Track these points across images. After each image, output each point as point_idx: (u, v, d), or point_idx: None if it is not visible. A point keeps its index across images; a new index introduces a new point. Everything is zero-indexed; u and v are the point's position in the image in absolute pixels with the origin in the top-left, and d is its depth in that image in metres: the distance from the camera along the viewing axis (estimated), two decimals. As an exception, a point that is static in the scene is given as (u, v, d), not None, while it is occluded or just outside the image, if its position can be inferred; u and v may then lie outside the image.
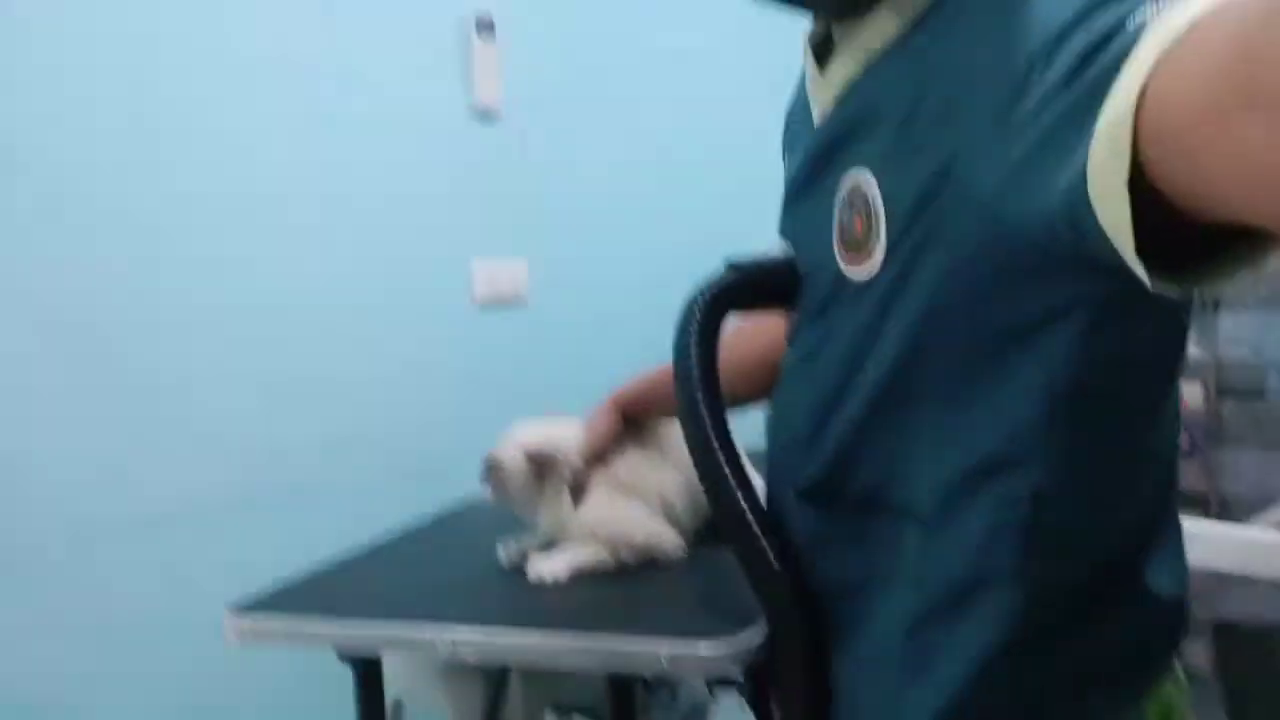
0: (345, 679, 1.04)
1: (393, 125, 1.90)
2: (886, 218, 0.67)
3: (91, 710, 1.52)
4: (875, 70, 0.72)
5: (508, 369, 2.06)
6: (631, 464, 1.08)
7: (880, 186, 0.68)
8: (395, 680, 1.08)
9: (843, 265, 0.72)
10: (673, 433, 1.10)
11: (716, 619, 0.87)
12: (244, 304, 1.71)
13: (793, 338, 0.83)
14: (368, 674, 1.03)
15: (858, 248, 0.69)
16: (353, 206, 1.85)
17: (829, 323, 0.75)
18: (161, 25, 1.61)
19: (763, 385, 0.96)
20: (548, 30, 2.14)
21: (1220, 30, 0.40)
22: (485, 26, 2.00)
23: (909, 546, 0.71)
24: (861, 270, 0.70)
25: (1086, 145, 0.45)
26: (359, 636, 0.93)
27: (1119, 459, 0.68)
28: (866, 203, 0.68)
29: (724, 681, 1.37)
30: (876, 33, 0.72)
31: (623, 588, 1.00)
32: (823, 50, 0.80)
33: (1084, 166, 0.46)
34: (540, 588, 1.00)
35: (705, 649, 0.81)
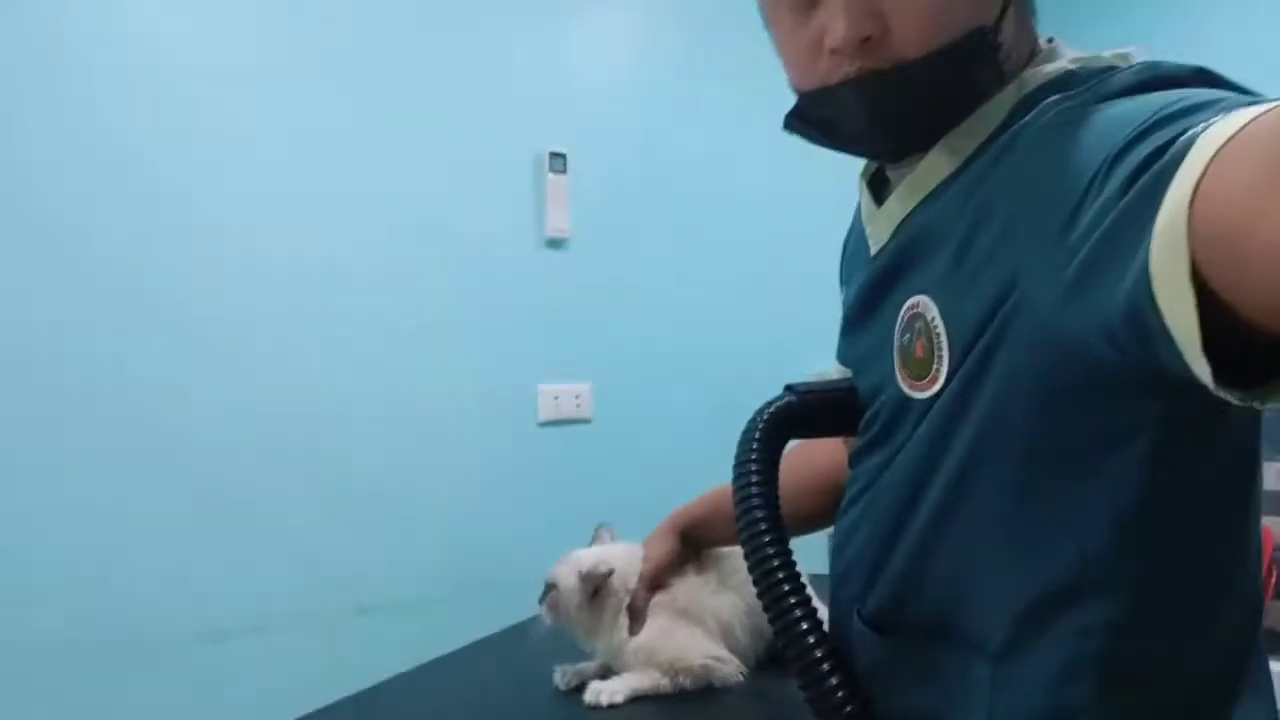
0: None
1: (468, 252, 1.99)
2: (948, 339, 0.68)
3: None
4: (930, 203, 0.74)
5: (570, 488, 2.07)
6: (690, 588, 1.07)
7: (940, 310, 0.69)
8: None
9: (905, 388, 0.73)
10: (732, 556, 1.09)
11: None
12: (313, 422, 1.77)
13: (854, 462, 0.83)
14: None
15: (920, 370, 0.70)
16: (423, 329, 1.92)
17: (892, 446, 0.75)
18: (256, 154, 1.74)
19: (823, 509, 0.97)
20: (614, 162, 2.25)
21: (1267, 127, 0.42)
22: (558, 160, 2.11)
23: (979, 679, 0.69)
24: (924, 391, 0.70)
25: (1147, 246, 0.46)
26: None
27: (1196, 593, 0.66)
28: (927, 325, 0.69)
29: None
30: (931, 171, 0.74)
31: (682, 716, 0.98)
32: (878, 184, 0.84)
33: (1146, 265, 0.46)
34: (597, 712, 0.98)
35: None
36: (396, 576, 1.84)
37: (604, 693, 0.99)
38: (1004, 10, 0.68)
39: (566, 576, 1.05)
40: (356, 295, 1.84)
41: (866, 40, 0.67)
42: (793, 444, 0.87)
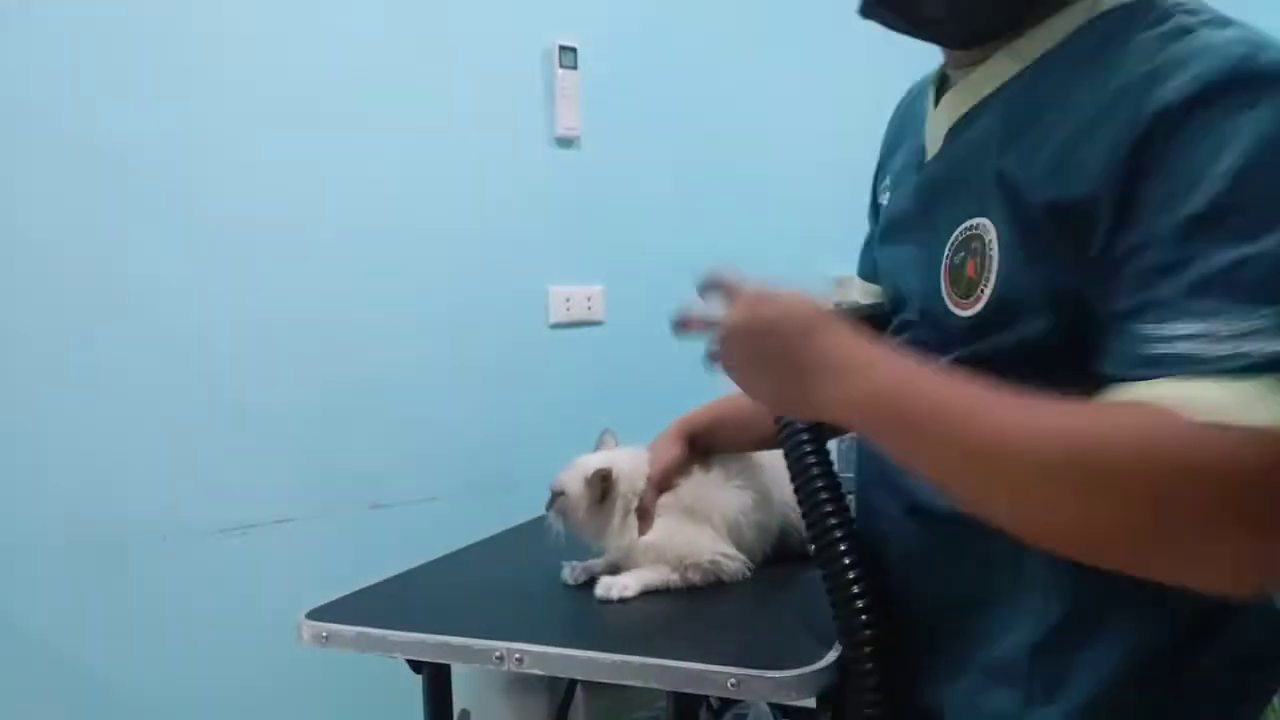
0: (414, 684, 1.06)
1: (474, 151, 1.95)
2: (998, 263, 0.68)
3: (170, 695, 1.59)
4: (985, 108, 0.74)
5: (582, 390, 2.08)
6: (697, 488, 1.08)
7: (998, 234, 0.69)
8: (463, 691, 1.10)
9: (950, 305, 0.73)
10: (739, 456, 1.10)
11: (786, 644, 0.87)
12: (324, 324, 1.77)
13: None
14: (436, 682, 1.05)
15: (967, 289, 0.71)
16: (431, 229, 1.89)
17: (931, 357, 0.76)
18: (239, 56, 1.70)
19: None
20: (627, 59, 2.17)
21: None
22: (568, 54, 2.05)
23: (1033, 563, 0.70)
24: (967, 310, 0.71)
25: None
26: (427, 646, 0.94)
27: None
28: (983, 247, 0.69)
29: (793, 711, 1.35)
30: (990, 76, 0.74)
31: (691, 609, 1.00)
32: (940, 88, 0.83)
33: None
34: (608, 605, 1.00)
35: (773, 673, 0.80)
36: (409, 475, 1.86)
37: (614, 587, 1.02)
38: None
39: (573, 483, 1.06)
40: (364, 195, 1.81)
41: None
42: None
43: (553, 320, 2.08)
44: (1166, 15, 0.64)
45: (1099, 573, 0.65)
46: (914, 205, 0.81)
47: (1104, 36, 0.66)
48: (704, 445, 1.11)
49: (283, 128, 1.71)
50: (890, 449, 0.65)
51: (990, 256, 0.68)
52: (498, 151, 1.98)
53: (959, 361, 0.72)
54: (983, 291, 0.69)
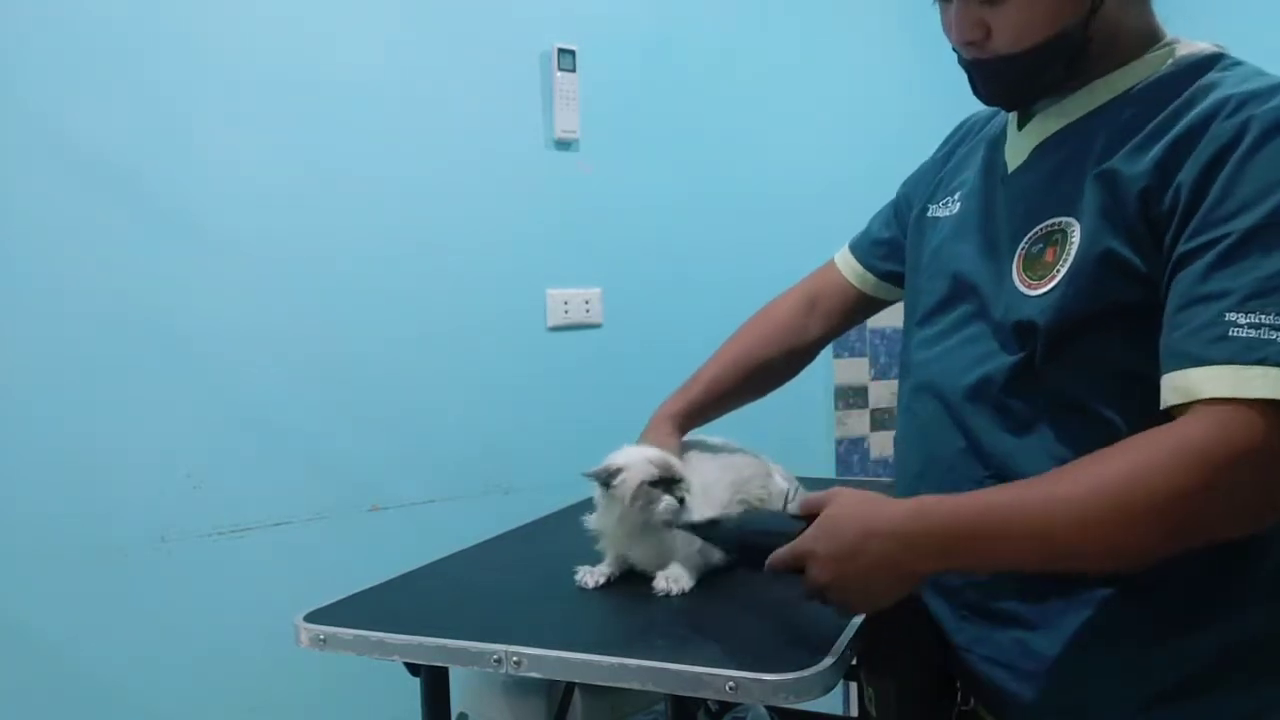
0: (412, 687, 1.06)
1: (472, 153, 1.94)
2: (1075, 255, 0.80)
3: (168, 697, 1.60)
4: (1072, 132, 0.87)
5: (580, 393, 2.08)
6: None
7: (1082, 228, 0.80)
8: (461, 694, 1.10)
9: (1019, 285, 0.84)
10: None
11: (784, 647, 0.87)
12: (325, 327, 1.77)
13: (926, 326, 0.97)
14: (434, 684, 1.05)
15: (1040, 273, 0.82)
16: (429, 231, 1.89)
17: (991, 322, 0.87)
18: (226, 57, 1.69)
19: (782, 365, 1.25)
20: (625, 62, 2.17)
21: None
22: (567, 57, 2.05)
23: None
24: (1038, 289, 0.82)
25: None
26: (425, 649, 0.94)
27: None
28: (1064, 239, 0.82)
29: (790, 713, 1.35)
30: (1074, 106, 0.87)
31: (689, 611, 1.00)
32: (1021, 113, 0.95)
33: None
34: (606, 607, 1.00)
35: (771, 676, 0.80)
36: (407, 477, 1.86)
37: (671, 580, 1.03)
38: (1093, 11, 0.82)
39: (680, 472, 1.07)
40: (363, 197, 1.81)
41: (972, 42, 0.86)
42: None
43: (551, 323, 2.08)
44: (1239, 61, 0.81)
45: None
46: (994, 207, 0.92)
47: (1191, 70, 0.82)
48: (690, 428, 1.23)
49: (281, 131, 1.72)
50: (976, 566, 0.81)
51: (1072, 244, 0.80)
52: (496, 154, 1.98)
53: (1033, 330, 0.82)
54: (1058, 272, 0.80)
